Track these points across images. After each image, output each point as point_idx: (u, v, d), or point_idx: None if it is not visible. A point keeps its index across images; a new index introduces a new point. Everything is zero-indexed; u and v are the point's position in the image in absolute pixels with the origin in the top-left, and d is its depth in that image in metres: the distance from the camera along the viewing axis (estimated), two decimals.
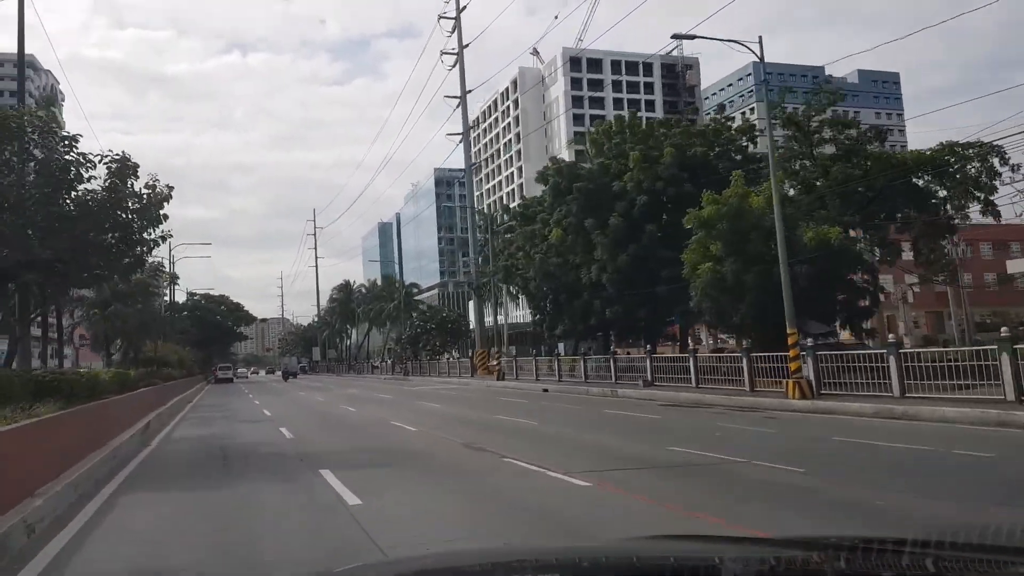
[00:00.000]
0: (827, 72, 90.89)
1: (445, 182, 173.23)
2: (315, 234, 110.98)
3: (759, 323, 22.42)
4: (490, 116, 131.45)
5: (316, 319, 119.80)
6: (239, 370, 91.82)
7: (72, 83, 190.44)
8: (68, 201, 15.40)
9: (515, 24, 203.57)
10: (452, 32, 47.50)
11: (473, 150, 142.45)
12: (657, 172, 26.95)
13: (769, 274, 20.65)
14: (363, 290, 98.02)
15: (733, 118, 39.24)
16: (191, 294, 77.77)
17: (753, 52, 19.75)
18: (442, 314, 55.80)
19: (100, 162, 15.52)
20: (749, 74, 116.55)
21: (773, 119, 24.57)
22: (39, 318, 21.83)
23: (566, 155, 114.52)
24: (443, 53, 47.83)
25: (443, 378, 48.16)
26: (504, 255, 34.84)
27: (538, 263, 28.25)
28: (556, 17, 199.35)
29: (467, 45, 47.14)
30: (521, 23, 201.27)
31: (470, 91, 48.21)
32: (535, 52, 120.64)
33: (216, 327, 77.44)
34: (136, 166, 16.01)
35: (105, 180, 15.52)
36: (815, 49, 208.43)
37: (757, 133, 34.74)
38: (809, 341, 20.18)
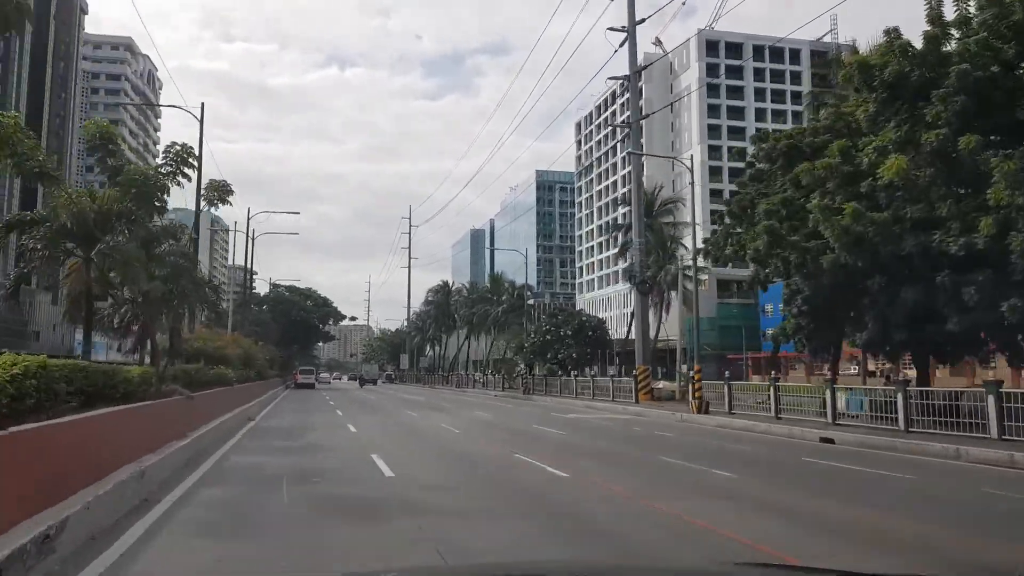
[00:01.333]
0: None
1: (546, 186, 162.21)
2: (409, 232, 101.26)
3: None
4: (605, 110, 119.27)
5: (406, 324, 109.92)
6: (322, 374, 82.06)
7: (181, 92, 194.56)
8: None
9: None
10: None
11: (584, 148, 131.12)
12: None
13: None
14: (463, 292, 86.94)
15: None
16: (274, 285, 68.15)
17: None
18: (581, 318, 43.65)
19: None
20: None
21: None
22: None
23: (697, 152, 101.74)
24: (609, 29, 35.73)
25: (586, 400, 36.14)
26: (745, 217, 22.43)
27: (841, 224, 15.64)
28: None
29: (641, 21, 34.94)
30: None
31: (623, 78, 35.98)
32: (657, 42, 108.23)
33: (300, 324, 67.32)
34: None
35: None
36: None
37: None
38: None
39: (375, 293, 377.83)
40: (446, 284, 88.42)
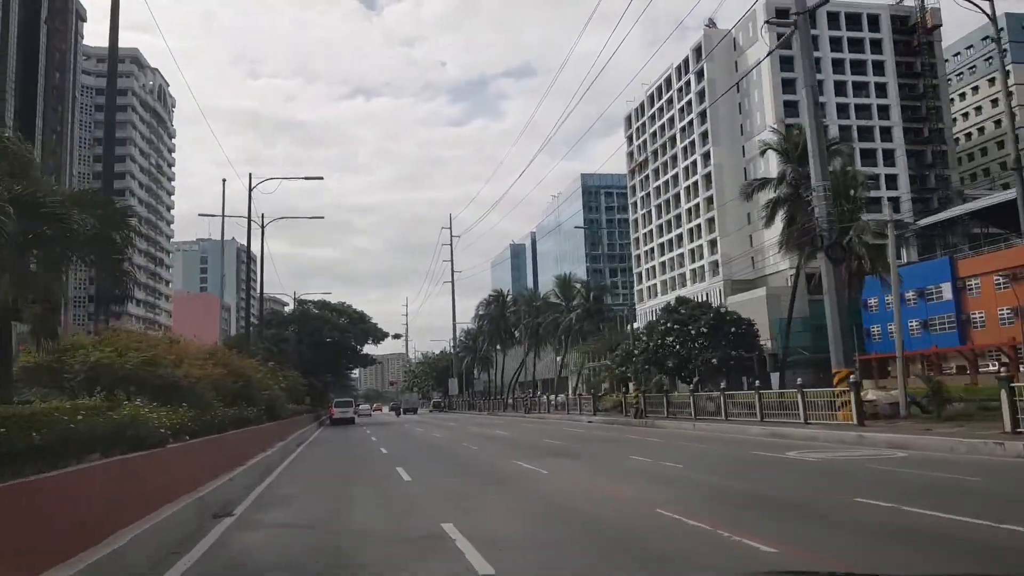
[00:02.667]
0: None
1: (592, 192, 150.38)
2: (451, 243, 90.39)
3: None
4: (660, 98, 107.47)
5: (451, 347, 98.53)
6: (361, 406, 70.66)
7: (211, 130, 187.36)
8: None
9: None
10: None
11: (636, 143, 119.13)
12: None
13: None
14: (521, 301, 75.31)
15: None
16: (300, 302, 56.98)
17: None
18: (720, 311, 31.42)
19: None
20: (1002, 29, 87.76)
21: None
22: None
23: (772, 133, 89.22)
24: None
25: (744, 423, 24.27)
26: None
27: None
28: None
29: None
30: None
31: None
32: (711, 24, 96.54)
33: (333, 348, 55.99)
34: None
35: None
36: None
37: None
38: None
39: (413, 321, 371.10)
40: (500, 293, 76.81)
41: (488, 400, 76.88)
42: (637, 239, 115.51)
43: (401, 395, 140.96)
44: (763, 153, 72.70)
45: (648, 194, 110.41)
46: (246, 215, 37.65)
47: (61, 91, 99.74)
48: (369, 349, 59.04)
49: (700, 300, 48.51)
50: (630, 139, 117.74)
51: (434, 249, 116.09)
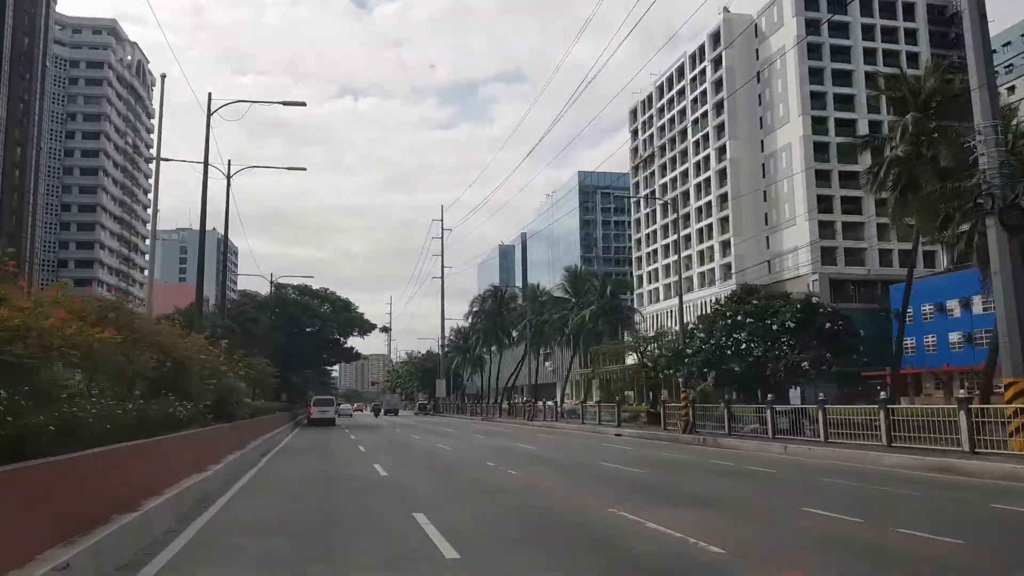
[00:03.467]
0: None
1: (590, 191, 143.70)
2: (442, 235, 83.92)
3: None
4: (671, 89, 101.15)
5: (441, 345, 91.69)
6: (342, 406, 63.81)
7: (194, 124, 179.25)
8: None
9: None
10: None
11: (642, 137, 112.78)
12: None
13: None
14: (519, 297, 68.49)
15: None
16: (277, 286, 50.03)
17: None
18: (810, 301, 24.66)
19: None
20: None
21: None
22: None
23: (800, 125, 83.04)
24: None
25: (859, 448, 17.82)
26: None
27: None
28: None
29: None
30: None
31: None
32: (727, 10, 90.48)
33: (313, 339, 49.03)
34: None
35: None
36: None
37: None
38: None
39: (396, 323, 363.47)
40: (498, 289, 69.87)
41: (480, 404, 70.10)
42: (639, 240, 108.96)
43: (382, 396, 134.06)
44: (875, 100, 64.93)
45: (653, 192, 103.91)
46: (224, 200, 31.66)
47: (30, 57, 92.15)
48: (354, 343, 51.99)
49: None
50: (635, 133, 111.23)
51: (419, 253, 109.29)
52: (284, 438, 29.92)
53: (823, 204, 78.41)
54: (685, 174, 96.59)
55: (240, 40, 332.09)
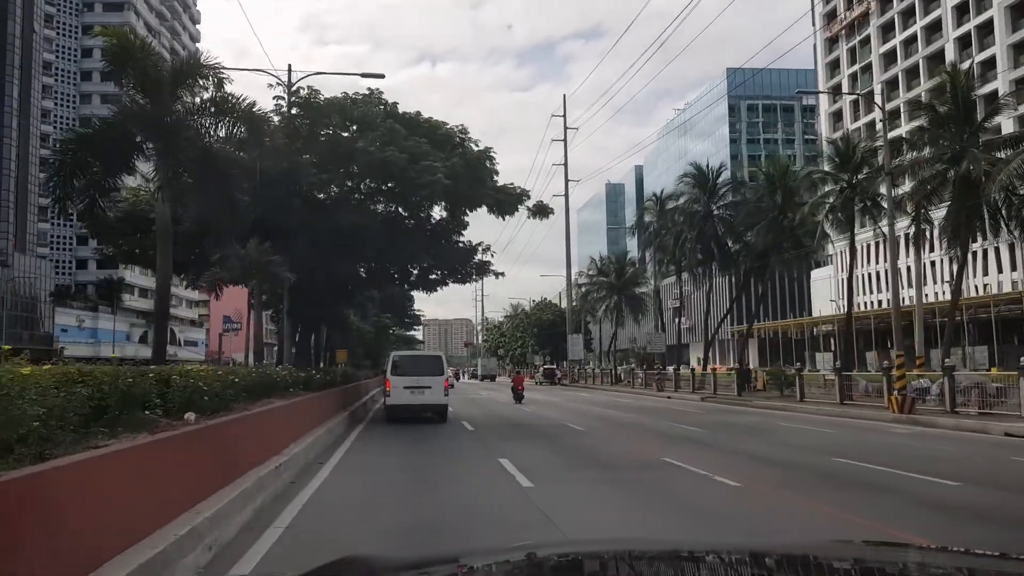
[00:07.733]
0: None
1: (736, 105, 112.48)
2: (564, 136, 61.56)
3: None
4: None
5: (568, 288, 65.81)
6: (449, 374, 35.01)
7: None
8: None
9: None
10: None
11: (824, 60, 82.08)
12: None
13: None
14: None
15: None
16: (306, 95, 23.44)
17: None
18: None
19: None
20: None
21: None
22: None
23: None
24: None
25: None
26: None
27: None
28: None
29: None
30: None
31: None
32: None
33: (389, 222, 22.42)
34: None
35: None
36: None
37: None
38: None
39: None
40: (700, 169, 42.00)
41: (653, 372, 43.95)
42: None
43: (475, 360, 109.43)
44: None
45: (869, 65, 73.38)
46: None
47: None
48: (481, 231, 24.88)
49: None
50: None
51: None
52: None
53: None
54: (932, 28, 65.97)
55: (321, 9, 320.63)
